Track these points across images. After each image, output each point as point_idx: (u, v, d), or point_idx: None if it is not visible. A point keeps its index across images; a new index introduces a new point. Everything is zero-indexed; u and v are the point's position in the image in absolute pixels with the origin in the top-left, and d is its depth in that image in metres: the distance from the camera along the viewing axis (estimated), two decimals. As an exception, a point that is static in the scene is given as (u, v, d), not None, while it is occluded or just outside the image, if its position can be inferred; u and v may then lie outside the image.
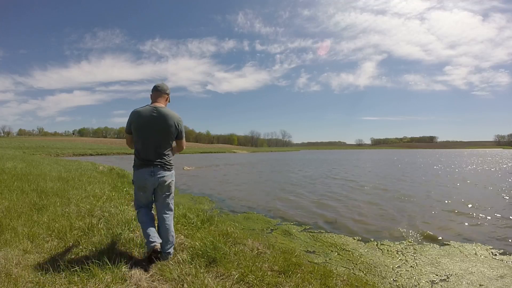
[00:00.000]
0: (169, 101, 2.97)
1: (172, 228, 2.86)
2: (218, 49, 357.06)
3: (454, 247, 4.60)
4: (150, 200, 2.89)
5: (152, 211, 2.97)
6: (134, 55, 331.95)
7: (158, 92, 2.84)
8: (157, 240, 2.63)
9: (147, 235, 2.65)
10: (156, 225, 2.90)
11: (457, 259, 4.12)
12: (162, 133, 2.73)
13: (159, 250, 2.64)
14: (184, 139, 2.93)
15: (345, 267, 3.75)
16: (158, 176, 2.72)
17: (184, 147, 2.99)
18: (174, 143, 2.93)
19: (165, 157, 2.78)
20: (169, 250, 2.82)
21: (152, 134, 2.70)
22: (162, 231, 2.79)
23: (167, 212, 2.87)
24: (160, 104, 2.80)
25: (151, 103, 2.81)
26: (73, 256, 2.81)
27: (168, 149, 2.83)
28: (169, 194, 2.87)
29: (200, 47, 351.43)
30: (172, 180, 2.86)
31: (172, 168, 2.85)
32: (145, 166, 2.71)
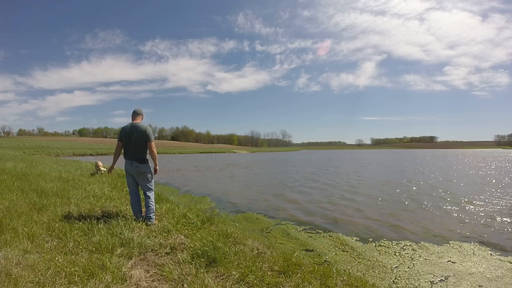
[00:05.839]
0: (143, 118, 4.33)
1: (151, 200, 4.11)
2: (218, 50, 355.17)
3: (453, 247, 4.61)
4: (135, 182, 4.19)
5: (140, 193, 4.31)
6: (135, 56, 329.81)
7: (136, 114, 4.22)
8: (138, 216, 4.14)
9: (134, 214, 4.19)
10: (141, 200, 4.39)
11: (456, 259, 4.13)
12: (137, 139, 4.01)
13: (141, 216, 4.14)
14: (152, 142, 4.06)
15: (344, 267, 3.76)
16: (135, 166, 4.03)
17: (154, 149, 4.06)
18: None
19: (140, 154, 4.04)
20: (150, 215, 4.07)
21: (132, 140, 4.02)
22: (146, 203, 4.11)
23: (148, 191, 4.13)
24: (137, 121, 4.16)
25: (132, 121, 4.16)
26: (73, 256, 2.82)
27: (143, 149, 4.05)
28: (147, 179, 4.12)
29: (200, 48, 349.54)
30: (146, 170, 4.10)
31: (146, 162, 4.10)
32: (128, 159, 4.08)
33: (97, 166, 9.86)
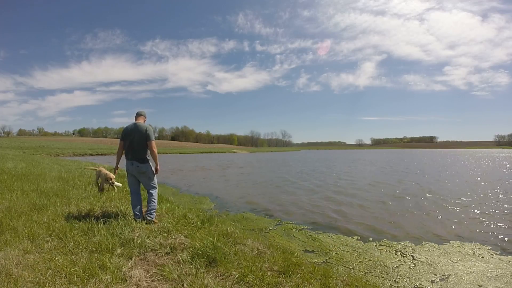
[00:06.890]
0: (145, 120, 4.40)
1: (154, 197, 4.19)
2: (219, 50, 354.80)
3: (453, 247, 4.61)
4: (136, 182, 4.23)
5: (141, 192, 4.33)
6: (135, 56, 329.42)
7: (138, 115, 4.33)
8: (138, 216, 4.13)
9: (134, 214, 4.16)
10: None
11: (456, 259, 4.13)
12: (138, 138, 4.04)
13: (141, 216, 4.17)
14: (152, 141, 4.07)
15: (344, 267, 3.76)
16: (136, 166, 4.07)
17: (154, 149, 4.07)
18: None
19: (140, 154, 4.05)
20: (151, 211, 4.13)
21: (133, 139, 4.04)
22: (148, 199, 4.21)
23: (151, 189, 4.22)
24: (139, 121, 4.24)
25: (134, 121, 4.23)
26: (73, 256, 2.82)
27: (144, 149, 4.06)
28: (148, 178, 4.16)
29: (200, 48, 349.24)
30: (147, 170, 4.12)
31: (146, 161, 4.10)
32: (129, 159, 4.12)
33: (107, 178, 5.97)
